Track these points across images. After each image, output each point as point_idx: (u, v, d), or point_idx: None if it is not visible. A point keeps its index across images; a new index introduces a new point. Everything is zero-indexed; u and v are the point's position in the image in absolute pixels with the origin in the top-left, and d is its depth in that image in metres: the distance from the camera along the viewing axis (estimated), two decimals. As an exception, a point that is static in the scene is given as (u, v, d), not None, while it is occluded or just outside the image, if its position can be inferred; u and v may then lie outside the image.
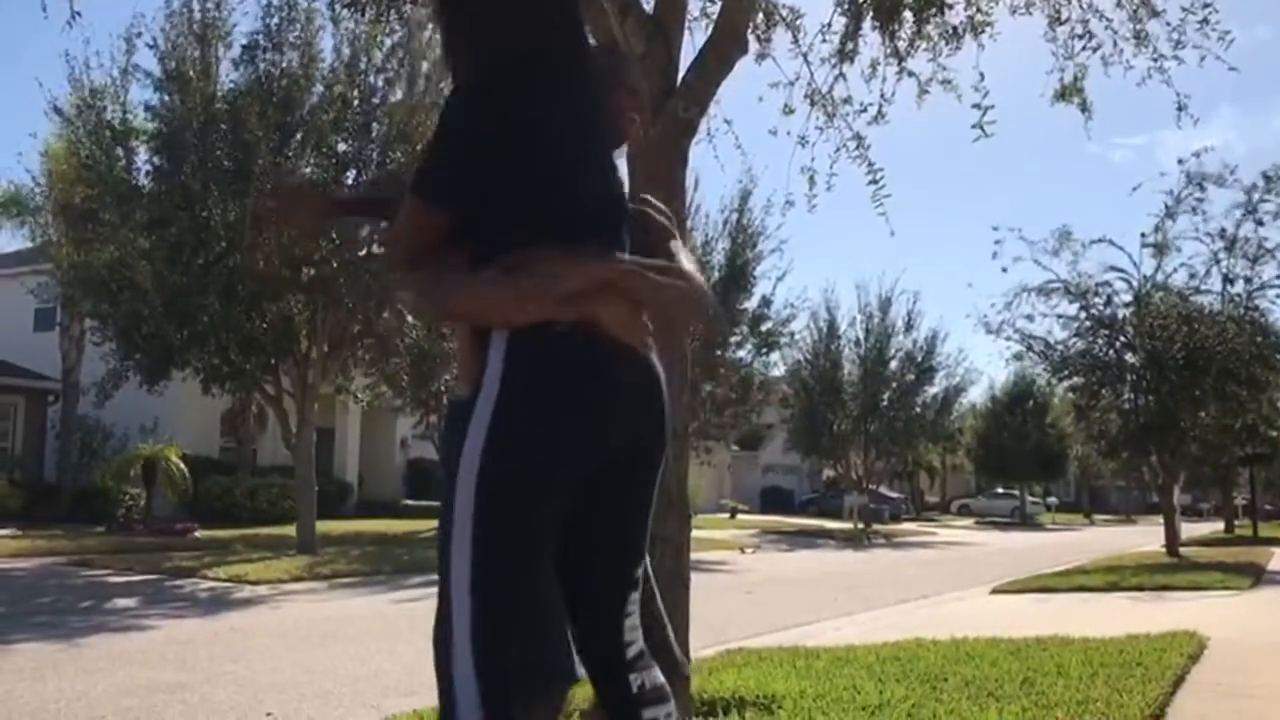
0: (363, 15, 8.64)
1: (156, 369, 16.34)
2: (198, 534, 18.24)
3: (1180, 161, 19.23)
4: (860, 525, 30.61)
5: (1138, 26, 7.32)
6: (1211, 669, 6.20)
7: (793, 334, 27.23)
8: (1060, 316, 20.36)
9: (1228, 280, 19.68)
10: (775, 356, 27.29)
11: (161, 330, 15.34)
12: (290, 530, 16.82)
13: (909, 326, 32.13)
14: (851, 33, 7.25)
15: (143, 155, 16.08)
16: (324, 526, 17.52)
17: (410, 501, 28.54)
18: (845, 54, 7.27)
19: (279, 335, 16.03)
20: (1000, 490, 51.80)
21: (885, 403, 31.59)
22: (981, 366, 52.17)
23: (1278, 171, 18.60)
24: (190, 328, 15.18)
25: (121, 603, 10.30)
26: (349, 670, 6.64)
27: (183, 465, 19.58)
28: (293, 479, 17.76)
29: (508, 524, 1.82)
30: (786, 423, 33.32)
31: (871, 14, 7.17)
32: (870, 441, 31.88)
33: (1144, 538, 26.62)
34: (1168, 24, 7.16)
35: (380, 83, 15.81)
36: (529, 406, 1.84)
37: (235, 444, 25.33)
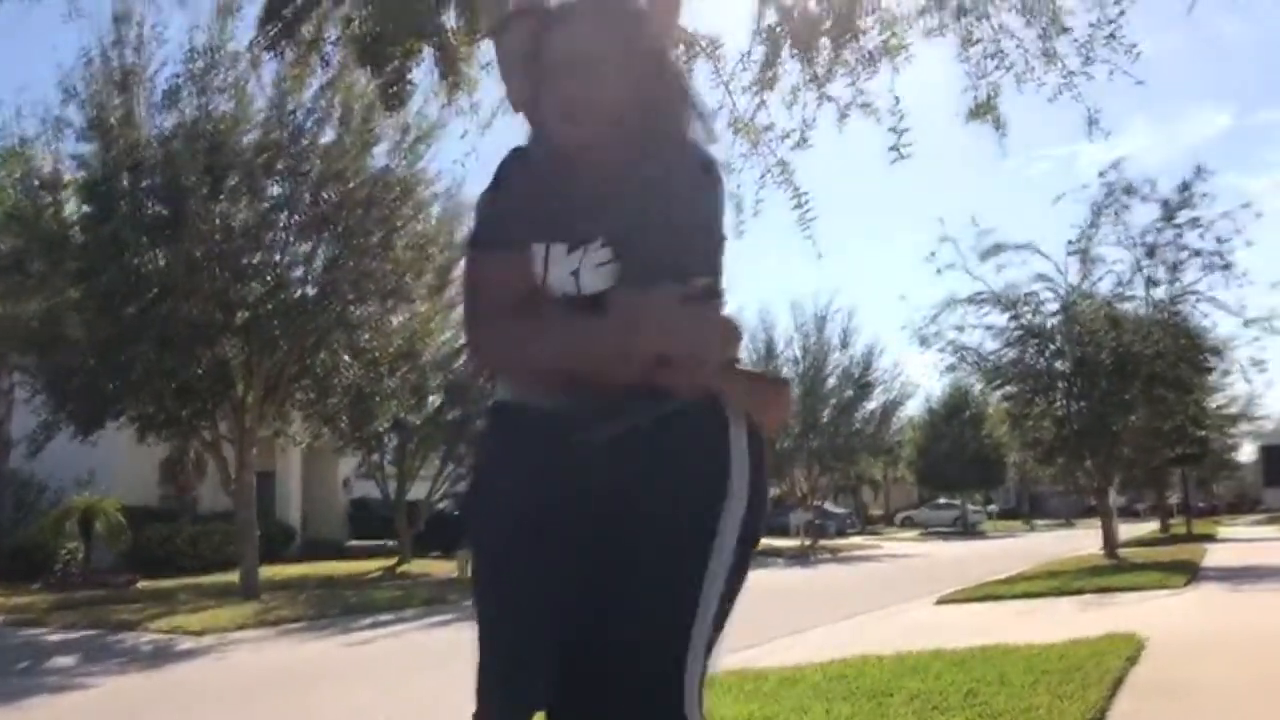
0: (283, 58, 8.65)
1: (90, 419, 16.05)
2: (139, 585, 17.91)
3: (1101, 174, 19.79)
4: (807, 542, 30.82)
5: (1047, 44, 7.54)
6: (1149, 669, 6.35)
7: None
8: (990, 327, 20.80)
9: (1151, 285, 20.21)
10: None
11: (94, 380, 15.10)
12: (234, 577, 16.57)
13: (845, 343, 32.59)
14: (771, 61, 7.41)
15: (73, 204, 15.87)
16: (268, 571, 17.29)
17: (354, 542, 28.26)
18: (766, 82, 7.43)
19: (214, 381, 15.82)
20: (942, 500, 52.39)
21: (825, 419, 31.93)
22: (918, 379, 52.83)
23: (1191, 182, 19.25)
24: (123, 377, 14.94)
25: (61, 661, 10.08)
26: None
27: (121, 516, 19.22)
28: (234, 524, 17.51)
29: (732, 605, 1.91)
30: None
31: (790, 42, 7.34)
32: (813, 458, 32.19)
33: (1084, 541, 27.09)
34: (1076, 40, 7.39)
35: (310, 124, 15.75)
36: (759, 495, 1.93)
37: (175, 492, 24.90)
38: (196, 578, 19.34)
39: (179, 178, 14.61)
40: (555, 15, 2.01)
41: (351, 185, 15.71)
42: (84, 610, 14.25)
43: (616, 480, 1.84)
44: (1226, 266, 19.19)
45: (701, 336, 1.89)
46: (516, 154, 2.04)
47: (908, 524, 52.89)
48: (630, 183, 1.92)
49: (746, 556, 1.92)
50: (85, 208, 15.53)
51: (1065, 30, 7.51)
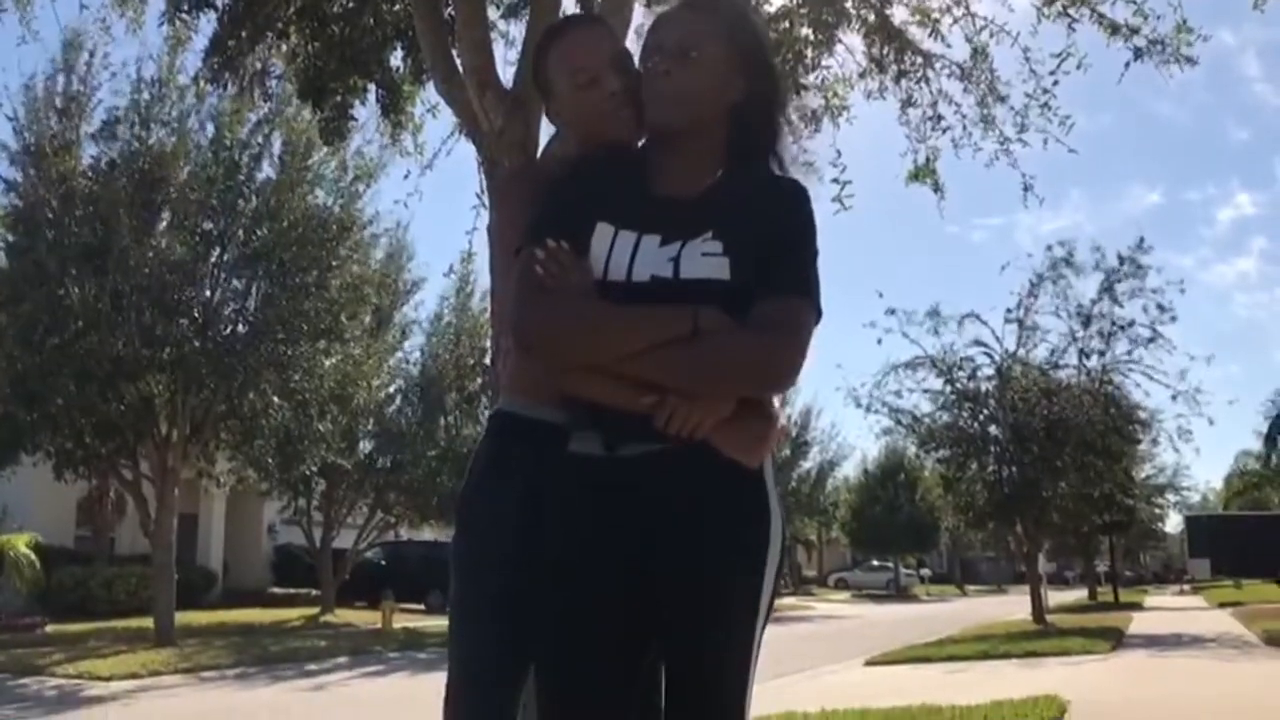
0: (225, 90, 8.52)
1: (4, 453, 15.56)
2: (48, 629, 17.24)
3: (1049, 248, 20.42)
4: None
5: (984, 111, 7.65)
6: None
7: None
8: (927, 390, 21.03)
9: (1084, 355, 20.62)
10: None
11: (10, 412, 14.64)
12: (149, 622, 16.02)
13: (783, 401, 32.70)
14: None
15: (-1, 230, 15.52)
16: (186, 617, 16.77)
17: (278, 589, 27.58)
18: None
19: (137, 417, 15.40)
20: (875, 562, 52.50)
21: (762, 478, 31.96)
22: (854, 441, 53.33)
23: (1134, 252, 19.79)
24: (41, 409, 14.52)
25: (-43, 705, 9.64)
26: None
27: (34, 555, 18.53)
28: (152, 568, 16.97)
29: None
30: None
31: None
32: (747, 517, 32.14)
33: (1013, 607, 27.24)
34: (1012, 109, 7.52)
35: (245, 159, 15.55)
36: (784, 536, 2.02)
37: (92, 532, 24.12)
38: (110, 622, 18.69)
39: (110, 209, 14.33)
40: (661, 12, 2.13)
41: (287, 223, 15.51)
42: (-15, 653, 13.68)
43: (670, 512, 1.88)
44: (1152, 339, 19.69)
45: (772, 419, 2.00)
46: (584, 152, 2.15)
47: (841, 585, 52.86)
48: (737, 180, 2.01)
49: (773, 599, 1.96)
50: (9, 236, 15.18)
51: (1002, 99, 7.62)
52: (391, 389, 23.22)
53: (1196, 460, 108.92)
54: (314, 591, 24.58)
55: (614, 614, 1.87)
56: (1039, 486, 20.38)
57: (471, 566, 2.06)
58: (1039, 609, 20.60)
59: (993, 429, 21.14)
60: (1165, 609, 27.80)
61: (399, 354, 23.21)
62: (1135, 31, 6.58)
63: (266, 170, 15.68)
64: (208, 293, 15.81)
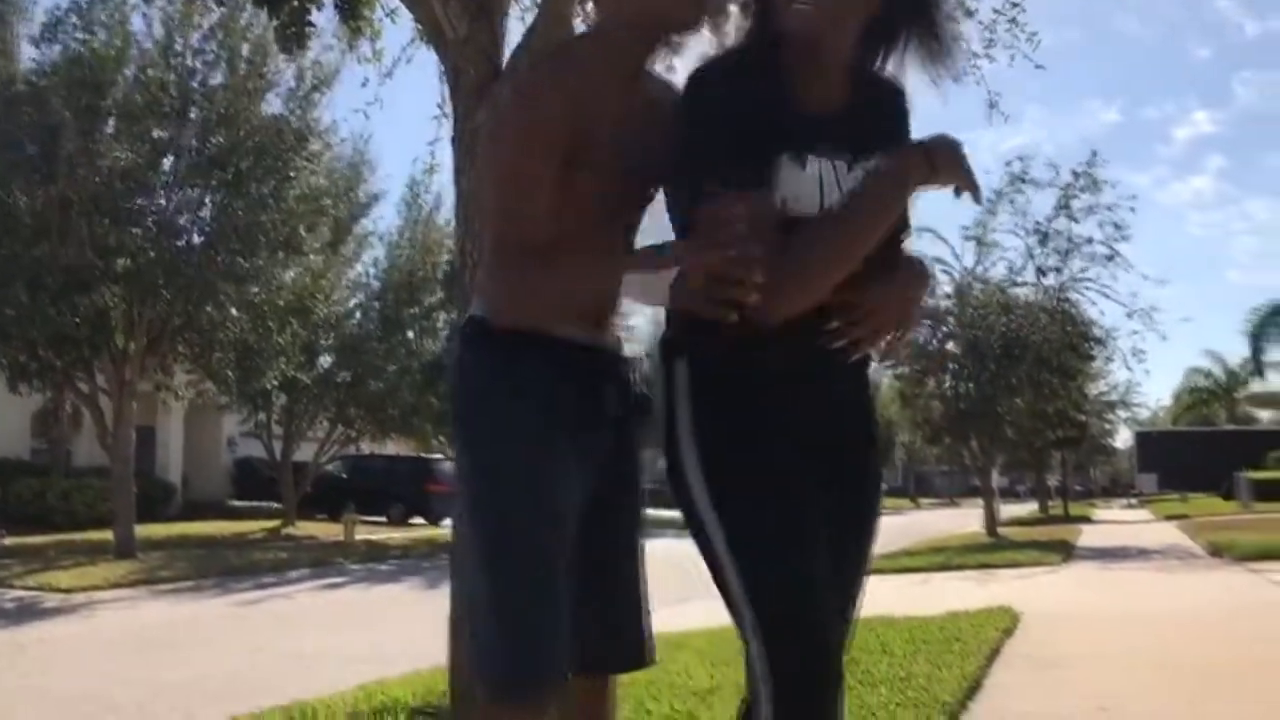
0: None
1: (-44, 366, 15.31)
2: (6, 541, 17.15)
3: (1007, 164, 20.29)
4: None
5: (952, 26, 7.57)
6: (1024, 641, 6.50)
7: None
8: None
9: (1041, 273, 20.74)
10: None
11: (-39, 325, 14.38)
12: (109, 535, 15.98)
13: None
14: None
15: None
16: (146, 530, 16.73)
17: (238, 503, 27.58)
18: (673, 47, 7.30)
19: (93, 330, 15.14)
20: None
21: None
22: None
23: (1088, 167, 19.74)
24: (-7, 322, 14.27)
25: (-85, 616, 9.61)
26: (167, 679, 6.33)
27: (-13, 468, 18.39)
28: (110, 481, 16.88)
29: None
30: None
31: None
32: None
33: (966, 520, 27.79)
34: (980, 23, 7.45)
35: (199, 65, 15.13)
36: None
37: (48, 445, 23.94)
38: (69, 534, 18.62)
39: (54, 114, 13.93)
40: None
41: (242, 131, 15.15)
42: (-57, 565, 13.62)
43: (843, 413, 1.98)
44: (1111, 257, 19.79)
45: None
46: (726, 71, 1.80)
47: (798, 499, 53.69)
48: (869, 92, 1.88)
49: None
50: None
51: (970, 14, 7.56)
52: (351, 303, 23.00)
53: (1146, 378, 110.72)
54: (275, 505, 24.61)
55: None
56: (995, 402, 20.67)
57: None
58: (992, 522, 21.04)
59: (950, 345, 21.33)
60: (1114, 522, 28.50)
61: (358, 267, 22.97)
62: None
63: (219, 78, 15.26)
64: (161, 201, 15.48)
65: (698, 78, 1.81)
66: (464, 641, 3.78)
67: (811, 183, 1.77)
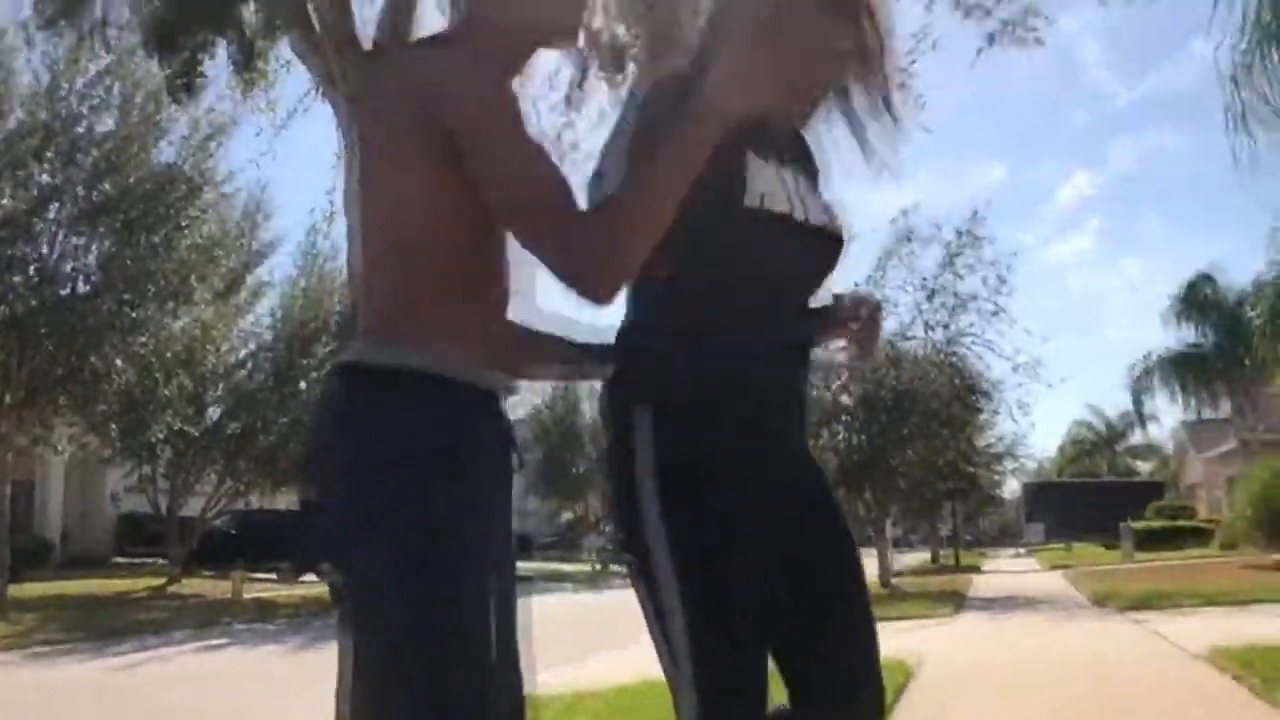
0: (61, 38, 8.08)
1: None
2: None
3: (892, 221, 20.83)
4: (598, 567, 30.87)
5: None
6: (918, 694, 6.58)
7: (531, 379, 27.39)
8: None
9: (929, 328, 21.32)
10: (514, 399, 27.34)
11: None
12: (-22, 595, 15.25)
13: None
14: (579, 82, 7.37)
15: None
16: (22, 589, 16.03)
17: (122, 559, 26.62)
18: (572, 102, 7.38)
19: (-33, 380, 14.58)
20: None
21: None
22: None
23: (970, 225, 20.50)
24: None
25: None
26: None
27: None
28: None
29: None
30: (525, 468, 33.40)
31: (597, 64, 7.32)
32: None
33: (861, 570, 28.00)
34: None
35: (85, 110, 14.78)
36: None
37: (-85, 500, 22.83)
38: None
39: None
40: None
41: (132, 179, 14.83)
42: None
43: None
44: (996, 313, 20.50)
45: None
46: None
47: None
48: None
49: None
50: None
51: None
52: (243, 353, 22.52)
53: (1033, 430, 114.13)
54: (160, 560, 23.80)
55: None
56: (887, 454, 21.04)
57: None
58: (885, 573, 21.33)
59: (843, 398, 21.67)
60: (1003, 571, 29.11)
61: (250, 317, 22.53)
62: (988, 13, 6.82)
63: (110, 123, 14.94)
64: (45, 249, 15.03)
65: (660, 85, 1.77)
66: None
67: (779, 183, 1.74)
